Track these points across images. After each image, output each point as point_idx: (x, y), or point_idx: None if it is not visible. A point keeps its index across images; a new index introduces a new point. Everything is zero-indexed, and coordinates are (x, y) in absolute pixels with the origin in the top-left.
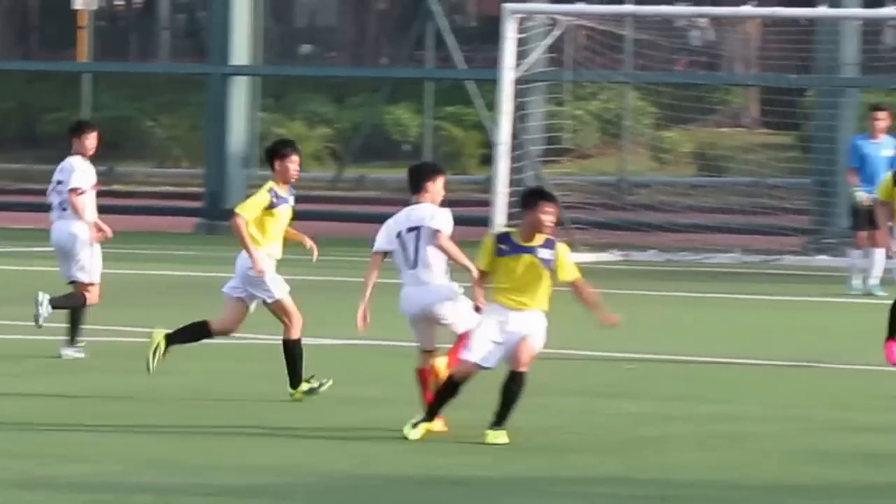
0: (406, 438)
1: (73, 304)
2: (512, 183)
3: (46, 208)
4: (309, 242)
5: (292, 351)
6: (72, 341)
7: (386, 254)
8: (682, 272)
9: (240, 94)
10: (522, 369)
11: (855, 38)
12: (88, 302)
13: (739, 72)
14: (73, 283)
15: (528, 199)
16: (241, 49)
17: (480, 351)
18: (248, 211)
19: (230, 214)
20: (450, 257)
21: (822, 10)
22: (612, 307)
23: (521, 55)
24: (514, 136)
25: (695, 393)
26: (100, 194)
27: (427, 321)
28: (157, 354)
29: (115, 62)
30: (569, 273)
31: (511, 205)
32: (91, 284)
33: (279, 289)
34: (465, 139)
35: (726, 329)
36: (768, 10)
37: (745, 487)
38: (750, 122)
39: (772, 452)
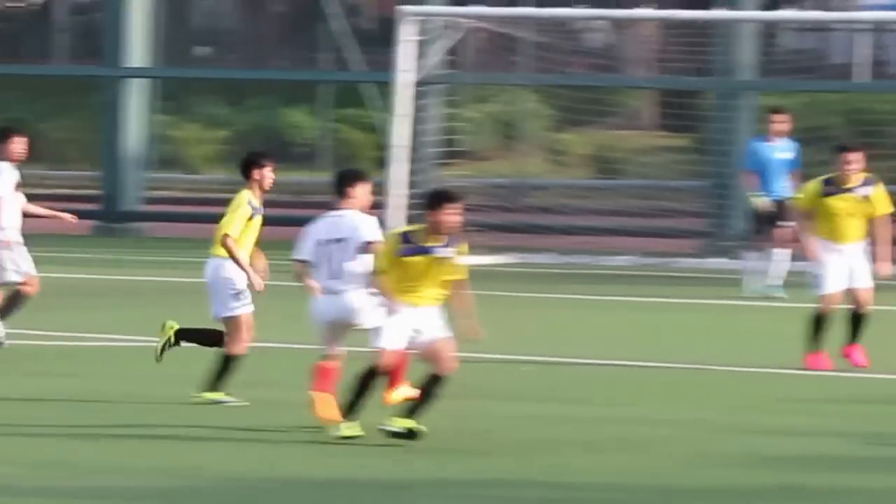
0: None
1: (19, 304)
2: (410, 185)
3: None
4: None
5: (229, 364)
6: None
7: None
8: (579, 275)
9: (135, 97)
10: (448, 373)
11: (752, 41)
12: (27, 293)
13: (637, 74)
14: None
15: (432, 199)
16: (136, 51)
17: (392, 338)
18: (235, 228)
19: (127, 217)
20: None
21: (719, 13)
22: (508, 310)
23: (420, 58)
24: (411, 138)
25: (591, 395)
26: None
27: (342, 328)
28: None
29: (8, 64)
30: (457, 272)
31: (410, 206)
32: (27, 281)
33: (243, 306)
34: (361, 142)
35: (623, 332)
36: (665, 12)
37: (640, 490)
38: (647, 124)
39: (668, 455)
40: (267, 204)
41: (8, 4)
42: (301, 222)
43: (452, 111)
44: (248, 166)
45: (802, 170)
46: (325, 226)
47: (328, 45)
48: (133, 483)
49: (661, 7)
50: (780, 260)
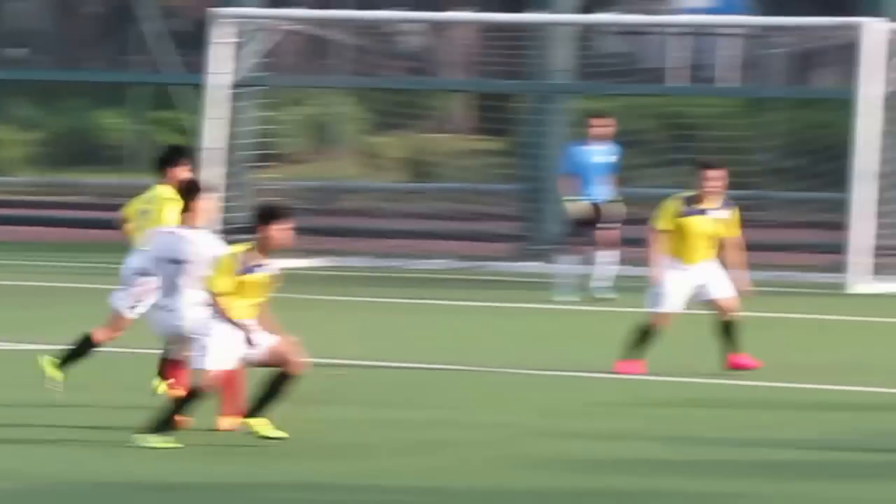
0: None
1: None
2: (224, 188)
3: None
4: None
5: (87, 348)
6: None
7: None
8: (394, 278)
9: None
10: (298, 371)
11: (567, 44)
12: None
13: (452, 77)
14: None
15: (261, 216)
16: None
17: (219, 358)
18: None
19: None
20: None
21: (534, 16)
22: (322, 314)
23: (234, 60)
24: (225, 141)
25: (403, 398)
26: None
27: (179, 341)
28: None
29: None
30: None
31: (225, 210)
32: None
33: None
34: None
35: (437, 335)
36: (481, 15)
37: (451, 493)
38: (462, 127)
39: (478, 459)
40: (77, 206)
41: None
42: (109, 225)
43: (267, 114)
44: (165, 163)
45: (619, 174)
46: (164, 244)
47: (142, 46)
48: None
49: (477, 10)
50: (605, 262)
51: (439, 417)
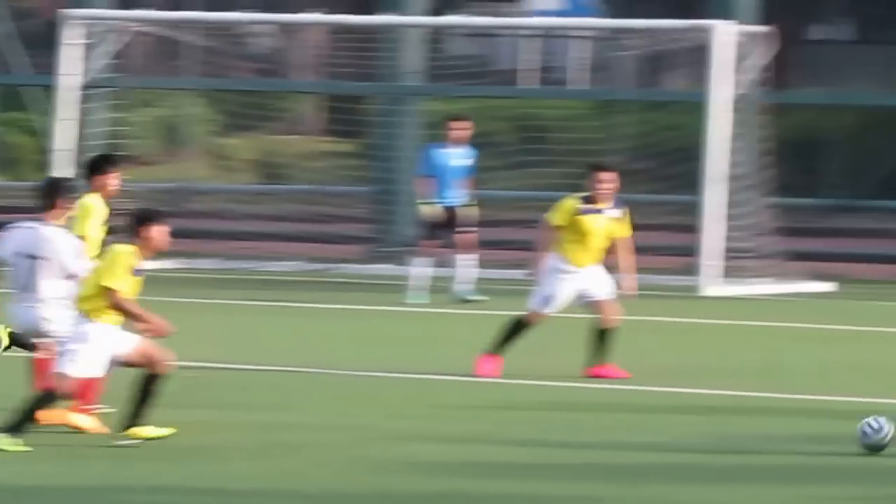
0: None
1: None
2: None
3: None
4: None
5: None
6: None
7: None
8: (244, 280)
9: None
10: (165, 370)
11: (418, 46)
12: None
13: (303, 79)
14: None
15: (141, 218)
16: None
17: (85, 364)
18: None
19: None
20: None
21: (385, 18)
22: (173, 316)
23: (85, 61)
24: (76, 142)
25: (254, 401)
26: None
27: (39, 336)
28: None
29: None
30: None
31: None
32: None
33: None
34: (24, 145)
35: (287, 337)
36: (332, 17)
37: (301, 497)
38: (313, 129)
39: (328, 462)
40: None
41: None
42: None
43: (118, 115)
44: (92, 172)
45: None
46: (21, 237)
47: None
48: None
49: (328, 12)
50: (466, 265)
51: (290, 420)
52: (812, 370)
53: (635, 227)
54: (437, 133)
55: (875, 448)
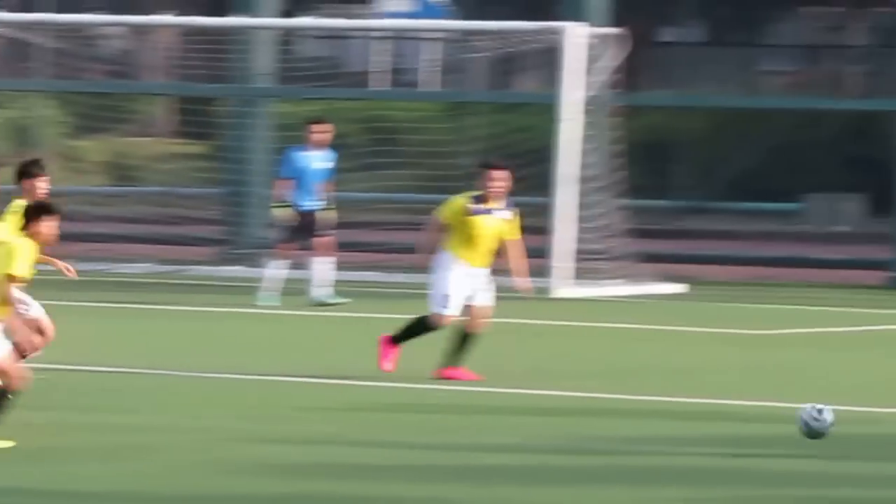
0: None
1: None
2: None
3: None
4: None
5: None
6: None
7: None
8: (95, 282)
9: None
10: (18, 387)
11: (269, 48)
12: None
13: (154, 81)
14: None
15: (32, 211)
16: None
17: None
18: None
19: None
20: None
21: (235, 20)
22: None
23: None
24: None
25: (105, 402)
26: None
27: None
28: None
29: None
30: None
31: None
32: None
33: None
34: None
35: (139, 339)
36: (183, 19)
37: (154, 498)
38: (164, 131)
39: (180, 463)
40: None
41: None
42: None
43: None
44: (22, 176)
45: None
46: None
47: None
48: None
49: (179, 13)
50: (323, 268)
51: (142, 422)
52: (663, 372)
53: None
54: (288, 135)
55: (817, 435)
